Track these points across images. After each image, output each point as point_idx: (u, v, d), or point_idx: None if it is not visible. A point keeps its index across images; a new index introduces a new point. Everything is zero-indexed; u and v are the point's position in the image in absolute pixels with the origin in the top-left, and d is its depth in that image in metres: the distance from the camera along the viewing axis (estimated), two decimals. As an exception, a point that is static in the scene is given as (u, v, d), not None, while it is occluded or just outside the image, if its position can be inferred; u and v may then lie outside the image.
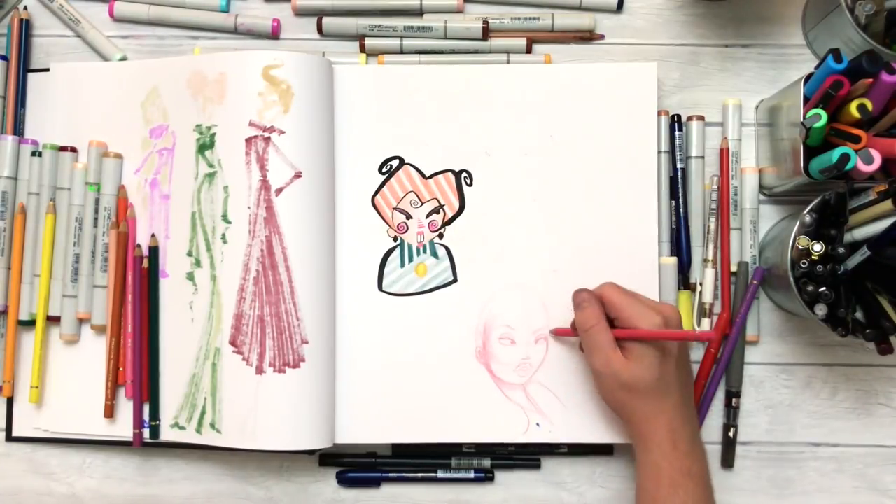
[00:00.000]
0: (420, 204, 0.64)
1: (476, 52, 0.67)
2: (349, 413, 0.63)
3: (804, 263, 0.56)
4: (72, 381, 0.64)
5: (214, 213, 0.62)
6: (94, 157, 0.64)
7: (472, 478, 0.64)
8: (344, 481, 0.65)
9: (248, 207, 0.61)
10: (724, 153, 0.65)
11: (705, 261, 0.64)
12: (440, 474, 0.64)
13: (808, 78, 0.57)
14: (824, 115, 0.54)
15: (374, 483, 0.64)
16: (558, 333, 0.62)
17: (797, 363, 0.65)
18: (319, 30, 0.67)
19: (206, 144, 0.62)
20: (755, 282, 0.63)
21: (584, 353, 0.59)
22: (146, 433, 0.62)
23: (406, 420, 0.63)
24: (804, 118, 0.56)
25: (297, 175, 0.61)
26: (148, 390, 0.62)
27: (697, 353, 0.65)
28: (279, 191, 0.61)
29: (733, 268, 0.64)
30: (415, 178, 0.64)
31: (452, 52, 0.67)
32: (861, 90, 0.55)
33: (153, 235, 0.64)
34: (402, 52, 0.67)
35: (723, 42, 0.67)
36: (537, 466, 0.64)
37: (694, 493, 0.54)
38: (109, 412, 0.63)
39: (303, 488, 0.65)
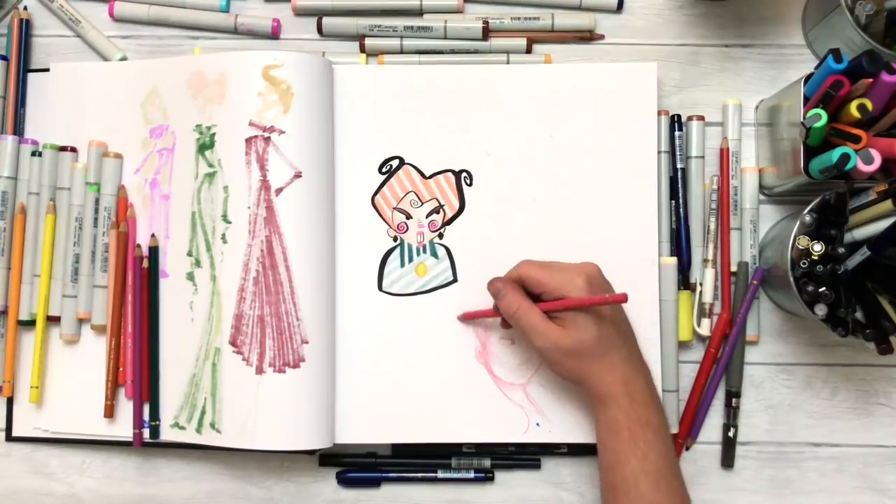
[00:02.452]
0: (420, 204, 0.64)
1: (476, 52, 0.67)
2: (349, 413, 0.63)
3: (804, 263, 0.56)
4: (72, 381, 0.64)
5: (214, 213, 0.62)
6: (94, 157, 0.64)
7: (472, 478, 0.64)
8: (344, 481, 0.65)
9: (248, 207, 0.61)
10: (724, 153, 0.65)
11: (705, 261, 0.64)
12: (440, 474, 0.64)
13: (808, 78, 0.58)
14: (824, 115, 0.54)
15: (374, 483, 0.64)
16: (466, 317, 0.63)
17: (797, 363, 0.65)
18: (319, 30, 0.67)
19: (206, 144, 0.62)
20: (755, 282, 0.63)
21: (508, 330, 0.59)
22: (146, 433, 0.62)
23: (406, 420, 0.63)
24: (804, 118, 0.56)
25: (297, 175, 0.61)
26: (148, 390, 0.62)
27: (697, 353, 0.65)
28: (279, 191, 0.61)
29: (733, 268, 0.64)
30: (415, 178, 0.64)
31: (452, 52, 0.67)
32: (861, 90, 0.55)
33: (153, 235, 0.64)
34: (402, 52, 0.67)
35: (723, 42, 0.67)
36: (537, 466, 0.64)
37: (654, 443, 0.54)
38: (109, 412, 0.63)
39: (303, 488, 0.65)
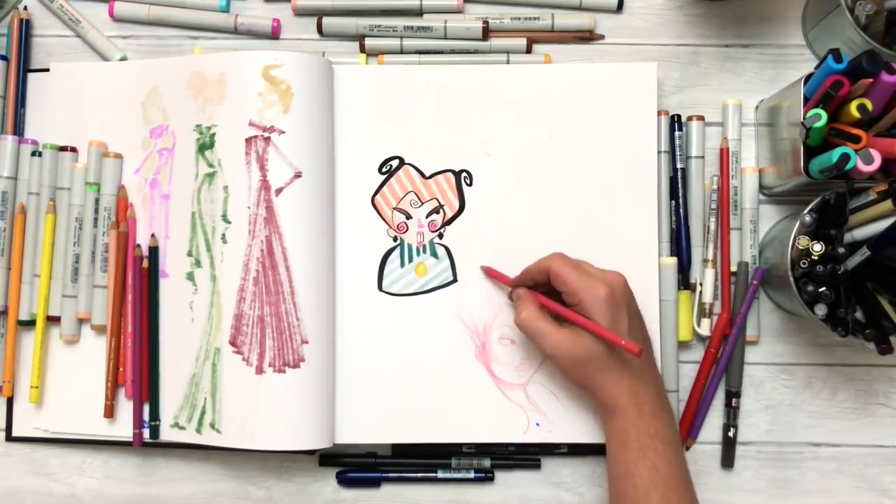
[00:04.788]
0: (420, 204, 0.64)
1: (476, 52, 0.67)
2: (349, 413, 0.63)
3: (804, 263, 0.56)
4: (72, 381, 0.64)
5: (214, 213, 0.62)
6: (94, 157, 0.64)
7: (472, 478, 0.64)
8: (344, 481, 0.65)
9: (248, 207, 0.61)
10: (724, 153, 0.65)
11: (705, 261, 0.64)
12: (440, 474, 0.64)
13: (808, 78, 0.58)
14: (824, 115, 0.54)
15: (374, 483, 0.65)
16: (489, 272, 0.63)
17: (797, 363, 0.65)
18: (319, 30, 0.67)
19: (206, 144, 0.62)
20: (755, 282, 0.63)
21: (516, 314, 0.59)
22: (146, 433, 0.62)
23: (406, 420, 0.63)
24: (804, 118, 0.56)
25: (297, 175, 0.61)
26: (148, 390, 0.62)
27: (697, 353, 0.65)
28: (279, 191, 0.61)
29: (733, 268, 0.64)
30: (415, 178, 0.64)
31: (452, 52, 0.67)
32: (861, 90, 0.55)
33: (153, 235, 0.64)
34: (402, 52, 0.67)
35: (723, 42, 0.67)
36: (537, 466, 0.64)
37: (664, 455, 0.54)
38: (109, 412, 0.63)
39: (303, 488, 0.65)
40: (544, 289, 0.60)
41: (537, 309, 0.58)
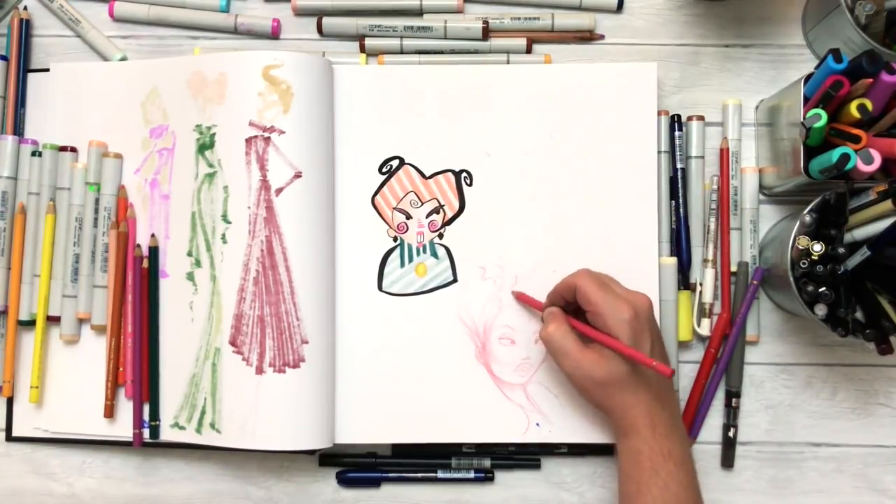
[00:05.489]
0: (420, 204, 0.64)
1: (476, 52, 0.67)
2: (349, 413, 0.63)
3: (804, 263, 0.56)
4: (72, 381, 0.64)
5: (214, 213, 0.62)
6: (94, 157, 0.64)
7: (472, 478, 0.64)
8: (344, 481, 0.65)
9: (248, 207, 0.61)
10: (724, 153, 0.65)
11: (705, 261, 0.64)
12: (440, 474, 0.64)
13: (808, 78, 0.58)
14: (824, 115, 0.54)
15: (374, 483, 0.65)
16: (520, 298, 0.63)
17: (797, 363, 0.65)
18: (319, 30, 0.67)
19: (206, 144, 0.62)
20: (755, 282, 0.63)
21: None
22: (146, 433, 0.62)
23: (406, 420, 0.63)
24: (804, 118, 0.56)
25: (297, 175, 0.61)
26: (148, 390, 0.62)
27: (697, 353, 0.65)
28: (279, 191, 0.61)
29: (733, 268, 0.64)
30: (415, 178, 0.64)
31: (452, 52, 0.67)
32: (861, 90, 0.55)
33: (153, 235, 0.64)
34: (402, 52, 0.67)
35: (723, 42, 0.67)
36: (537, 466, 0.64)
37: (676, 475, 0.54)
38: (109, 412, 0.63)
39: (303, 488, 0.65)
40: (573, 307, 0.59)
41: (565, 326, 0.57)
